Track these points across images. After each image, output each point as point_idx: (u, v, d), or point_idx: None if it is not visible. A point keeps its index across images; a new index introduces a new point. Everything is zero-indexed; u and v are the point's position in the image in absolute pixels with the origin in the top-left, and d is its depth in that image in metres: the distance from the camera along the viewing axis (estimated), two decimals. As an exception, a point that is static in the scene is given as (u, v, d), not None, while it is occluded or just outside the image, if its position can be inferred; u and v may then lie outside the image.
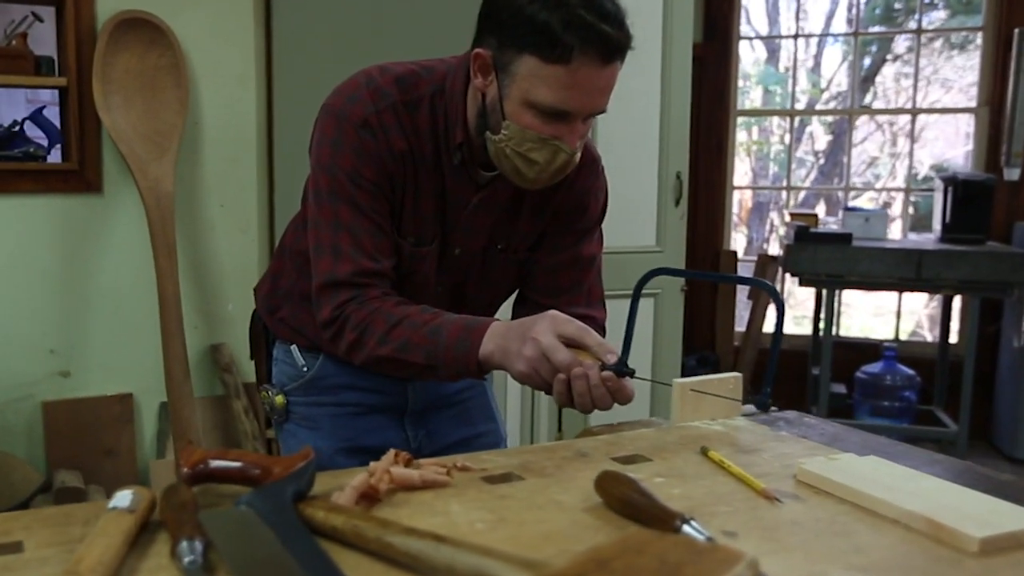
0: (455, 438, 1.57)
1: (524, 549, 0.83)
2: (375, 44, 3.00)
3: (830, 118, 5.96)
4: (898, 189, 5.49)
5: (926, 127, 5.37)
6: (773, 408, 1.35)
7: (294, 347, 1.53)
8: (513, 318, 1.46)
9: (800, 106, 5.61)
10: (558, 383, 1.18)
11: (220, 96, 3.08)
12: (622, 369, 1.18)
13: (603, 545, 0.71)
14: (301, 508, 0.88)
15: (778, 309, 1.17)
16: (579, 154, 1.30)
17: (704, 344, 5.03)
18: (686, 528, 0.85)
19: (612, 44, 1.20)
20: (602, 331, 1.46)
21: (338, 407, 1.52)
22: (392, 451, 1.05)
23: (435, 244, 1.40)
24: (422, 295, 1.40)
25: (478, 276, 1.46)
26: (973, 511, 0.92)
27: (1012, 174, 4.45)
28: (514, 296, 1.55)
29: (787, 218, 4.62)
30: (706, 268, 5.04)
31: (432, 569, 0.77)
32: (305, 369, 1.51)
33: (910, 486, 0.99)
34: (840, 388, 4.47)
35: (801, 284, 4.18)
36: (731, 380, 1.32)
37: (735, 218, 6.00)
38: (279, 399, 1.53)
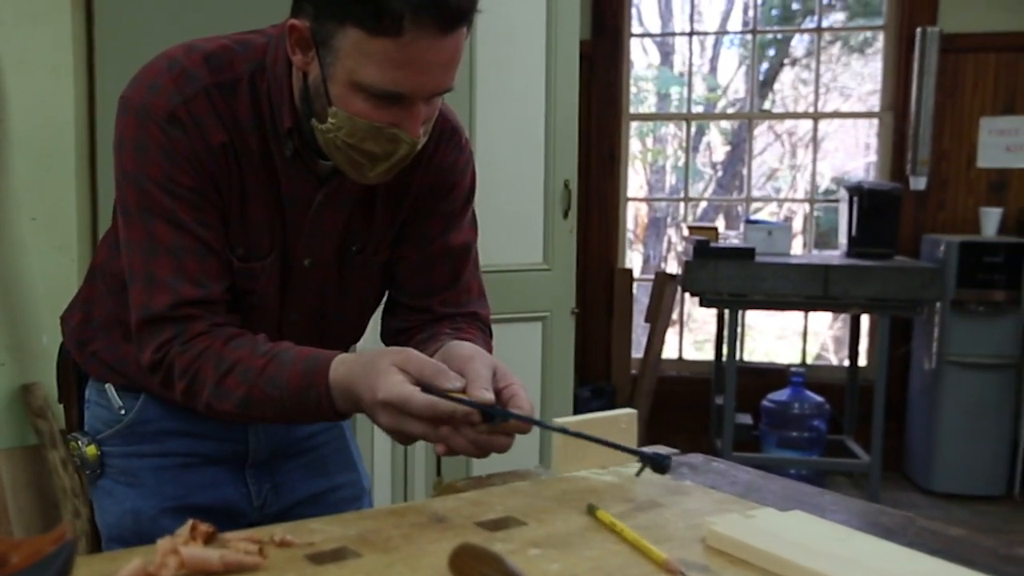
0: (307, 492, 1.48)
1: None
2: (215, 29, 2.84)
3: (728, 127, 6.00)
4: (801, 200, 5.54)
5: (826, 137, 5.45)
6: (675, 452, 1.25)
7: (109, 386, 1.43)
8: (383, 331, 1.44)
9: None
10: (427, 436, 1.09)
11: (30, 89, 2.91)
12: (490, 412, 1.07)
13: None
14: None
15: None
16: (423, 139, 1.20)
17: (599, 373, 4.98)
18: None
19: (451, 9, 1.09)
20: (487, 328, 1.41)
21: (163, 458, 1.42)
22: (188, 524, 0.91)
23: (273, 257, 1.30)
24: (264, 323, 1.29)
25: (336, 290, 1.37)
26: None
27: (919, 183, 4.53)
28: (382, 304, 1.48)
29: (685, 232, 4.57)
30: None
31: None
32: (123, 412, 1.42)
33: (846, 550, 0.89)
34: (746, 418, 4.49)
35: (702, 304, 4.18)
36: (623, 419, 1.20)
37: (630, 234, 5.99)
38: (90, 449, 1.43)
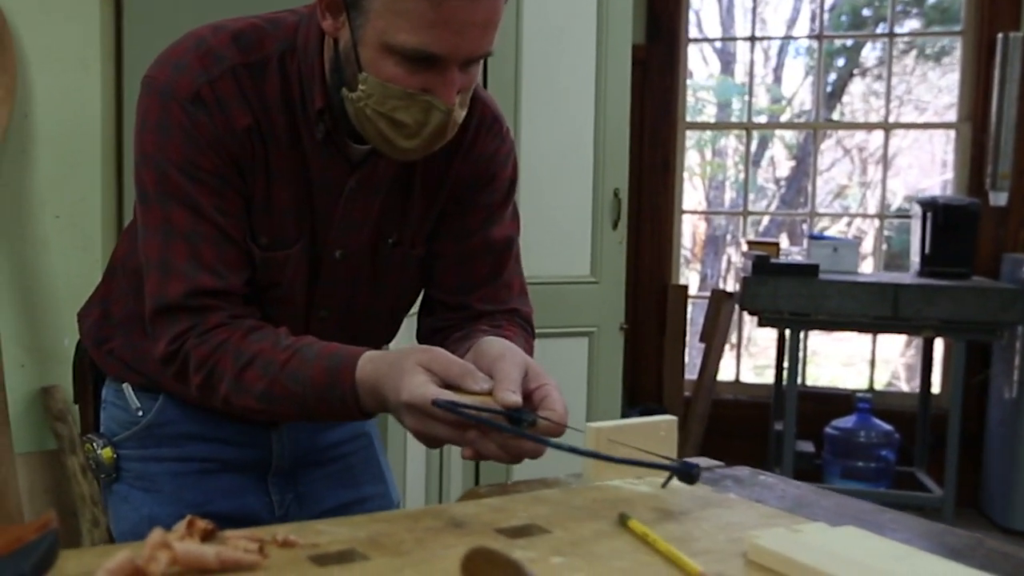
0: (332, 503, 1.48)
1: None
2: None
3: (793, 140, 5.93)
4: (870, 216, 5.45)
5: (899, 153, 5.35)
6: (719, 465, 1.22)
7: (126, 386, 1.43)
8: (419, 331, 1.43)
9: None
10: (454, 440, 1.08)
11: (56, 83, 2.94)
12: (521, 417, 1.04)
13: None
14: None
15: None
16: (461, 112, 1.20)
17: (649, 394, 4.93)
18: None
19: None
20: (529, 326, 1.41)
21: (182, 463, 1.42)
22: (187, 519, 0.91)
23: (300, 246, 1.29)
24: (291, 319, 1.29)
25: (369, 286, 1.37)
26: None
27: (999, 199, 4.43)
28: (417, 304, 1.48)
29: (744, 248, 4.52)
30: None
31: None
32: (140, 413, 1.43)
33: (903, 569, 0.85)
34: (807, 446, 4.41)
35: (761, 324, 4.12)
36: (662, 425, 1.17)
37: (687, 252, 5.93)
38: (106, 452, 1.44)
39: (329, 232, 1.30)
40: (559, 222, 3.33)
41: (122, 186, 3.10)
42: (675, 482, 1.12)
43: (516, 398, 1.05)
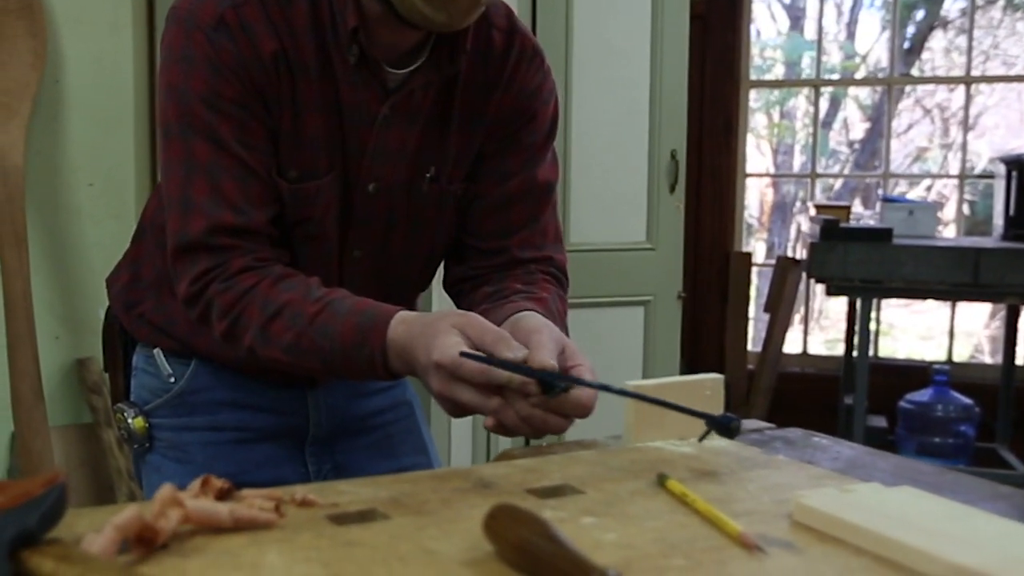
0: (371, 474, 1.50)
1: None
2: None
3: (867, 100, 5.81)
4: (949, 176, 5.33)
5: (984, 112, 5.22)
6: (768, 426, 1.20)
7: (157, 351, 1.45)
8: (446, 279, 1.44)
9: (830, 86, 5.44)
10: (478, 406, 1.08)
11: (87, 47, 2.98)
12: (550, 379, 1.04)
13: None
14: (25, 556, 0.74)
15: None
16: None
17: (710, 366, 4.89)
18: (606, 588, 0.68)
19: None
20: (564, 276, 1.41)
21: (215, 431, 1.44)
22: (201, 477, 0.91)
23: (331, 177, 1.29)
24: (323, 259, 1.31)
25: (405, 224, 1.36)
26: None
27: (1091, 157, 4.29)
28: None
29: (812, 212, 4.45)
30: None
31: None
32: (172, 380, 1.44)
33: (961, 529, 0.82)
34: (879, 421, 4.35)
35: (829, 293, 4.05)
36: (708, 383, 1.15)
37: (753, 221, 5.86)
38: (138, 422, 1.45)
39: (362, 163, 1.30)
40: (613, 186, 3.32)
41: (156, 152, 3.11)
42: (719, 442, 1.10)
43: (552, 362, 1.05)
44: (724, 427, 1.02)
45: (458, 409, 1.09)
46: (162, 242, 1.35)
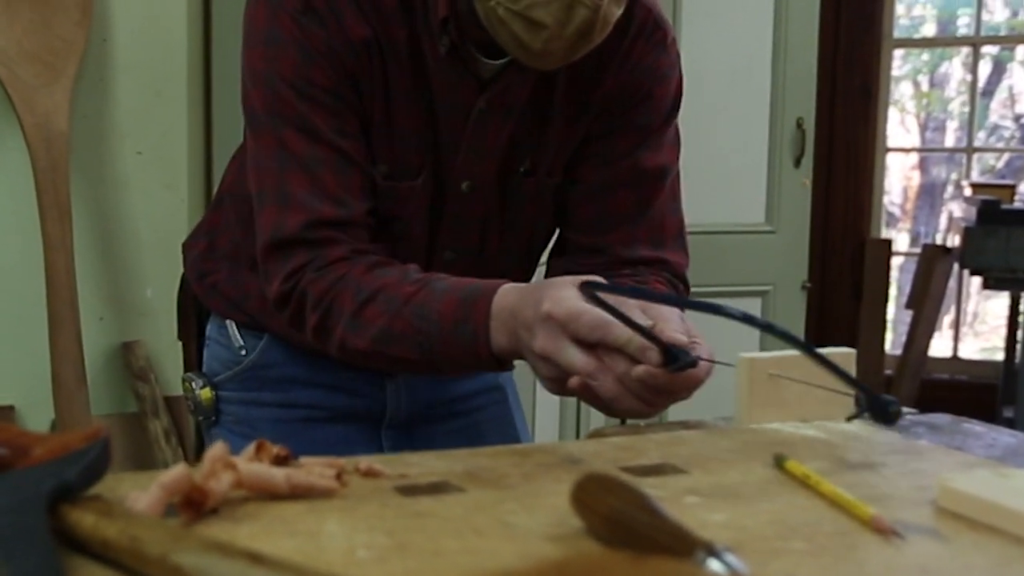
0: None
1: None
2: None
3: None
4: None
5: None
6: (911, 412, 1.19)
7: (230, 323, 1.54)
8: (548, 272, 1.45)
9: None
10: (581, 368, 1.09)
11: (138, 7, 3.05)
12: (678, 355, 1.04)
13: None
14: (65, 511, 0.77)
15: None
16: (614, 9, 1.20)
17: (841, 371, 4.85)
18: (711, 563, 0.68)
19: None
20: (684, 285, 1.42)
21: (285, 408, 1.51)
22: (256, 442, 0.92)
23: (424, 177, 1.36)
24: (410, 261, 1.35)
25: (499, 223, 1.42)
26: None
27: None
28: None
29: (968, 192, 4.37)
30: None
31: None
32: (243, 352, 1.53)
33: None
34: (1043, 439, 4.21)
35: (987, 286, 4.04)
36: (837, 359, 1.13)
37: (895, 207, 5.77)
38: (205, 393, 1.54)
39: (455, 160, 1.35)
40: (728, 158, 3.34)
41: (210, 118, 3.22)
42: (849, 426, 1.10)
43: (681, 336, 1.06)
44: (883, 409, 1.01)
45: (558, 375, 1.09)
46: (241, 214, 1.43)
